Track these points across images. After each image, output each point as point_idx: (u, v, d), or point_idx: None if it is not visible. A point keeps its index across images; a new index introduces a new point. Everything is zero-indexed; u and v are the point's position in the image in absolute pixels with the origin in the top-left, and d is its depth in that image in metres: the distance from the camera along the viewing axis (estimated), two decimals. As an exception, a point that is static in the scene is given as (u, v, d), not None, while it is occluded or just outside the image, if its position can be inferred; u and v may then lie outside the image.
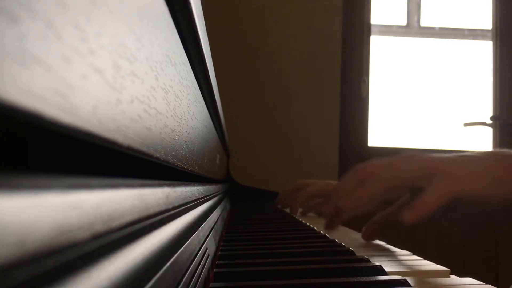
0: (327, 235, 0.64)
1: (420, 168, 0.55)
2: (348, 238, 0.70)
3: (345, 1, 1.95)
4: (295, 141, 1.87)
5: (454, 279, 0.40)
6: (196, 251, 0.33)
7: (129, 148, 0.18)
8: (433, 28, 2.11)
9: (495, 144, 2.02)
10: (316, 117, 1.88)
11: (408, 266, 0.46)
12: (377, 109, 2.03)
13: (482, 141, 2.05)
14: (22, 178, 0.12)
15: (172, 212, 0.29)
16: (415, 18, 2.09)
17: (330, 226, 0.68)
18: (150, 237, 0.22)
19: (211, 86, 0.58)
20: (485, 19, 2.09)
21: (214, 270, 0.39)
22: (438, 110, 2.09)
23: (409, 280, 0.35)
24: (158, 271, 0.20)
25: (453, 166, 0.53)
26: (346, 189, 0.58)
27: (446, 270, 0.43)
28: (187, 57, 0.38)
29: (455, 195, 0.52)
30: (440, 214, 0.53)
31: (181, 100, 0.33)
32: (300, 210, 1.17)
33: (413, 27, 2.09)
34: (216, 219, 0.61)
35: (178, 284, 0.24)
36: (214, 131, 0.72)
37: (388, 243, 0.62)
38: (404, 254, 0.53)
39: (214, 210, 0.65)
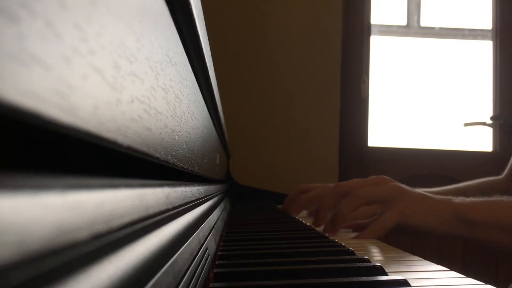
0: (327, 235, 0.64)
1: (384, 192, 0.73)
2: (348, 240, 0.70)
3: (345, 1, 1.95)
4: (295, 141, 1.87)
5: (454, 279, 0.40)
6: (196, 251, 0.33)
7: (129, 148, 0.18)
8: (433, 28, 2.11)
9: (495, 144, 2.02)
10: (316, 117, 1.88)
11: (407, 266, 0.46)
12: (377, 109, 2.03)
13: (482, 141, 2.04)
14: (22, 178, 0.12)
15: (172, 212, 0.29)
16: (415, 18, 2.09)
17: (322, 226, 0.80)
18: (150, 237, 0.22)
19: (211, 86, 0.58)
20: (485, 19, 2.09)
21: (214, 270, 0.39)
22: (438, 110, 2.09)
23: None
24: (158, 271, 0.20)
25: (404, 200, 0.71)
26: (327, 204, 0.79)
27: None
28: (187, 57, 0.38)
29: (399, 223, 0.70)
30: (394, 233, 0.72)
31: (181, 100, 0.33)
32: (306, 212, 1.18)
33: (413, 27, 2.09)
34: (216, 219, 0.61)
35: (178, 284, 0.24)
36: (214, 131, 0.72)
37: (388, 243, 0.63)
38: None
39: (214, 210, 0.65)
